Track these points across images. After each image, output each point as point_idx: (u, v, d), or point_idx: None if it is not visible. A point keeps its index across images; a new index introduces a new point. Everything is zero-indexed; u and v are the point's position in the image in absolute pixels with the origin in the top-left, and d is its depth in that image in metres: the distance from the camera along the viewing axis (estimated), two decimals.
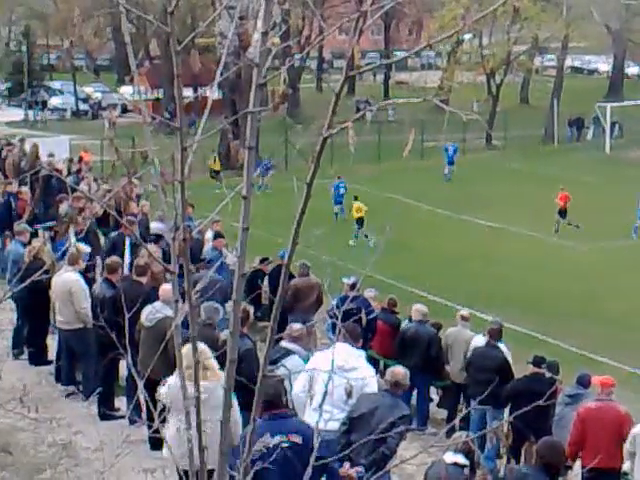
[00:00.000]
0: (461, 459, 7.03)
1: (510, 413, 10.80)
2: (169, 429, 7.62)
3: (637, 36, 53.43)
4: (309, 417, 8.42)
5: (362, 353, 9.13)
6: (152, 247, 12.63)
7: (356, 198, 28.10)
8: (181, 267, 3.32)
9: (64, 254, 11.74)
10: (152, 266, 11.22)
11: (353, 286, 13.63)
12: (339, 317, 3.83)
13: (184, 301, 3.36)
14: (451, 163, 38.39)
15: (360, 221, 27.22)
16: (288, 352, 9.08)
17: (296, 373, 8.40)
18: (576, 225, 27.99)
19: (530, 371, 11.13)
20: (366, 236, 25.92)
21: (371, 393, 8.41)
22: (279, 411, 6.99)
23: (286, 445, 6.60)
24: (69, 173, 21.88)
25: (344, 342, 8.73)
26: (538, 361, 11.18)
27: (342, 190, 30.06)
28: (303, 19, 49.43)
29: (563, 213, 28.96)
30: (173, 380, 7.81)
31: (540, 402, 4.14)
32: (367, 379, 8.47)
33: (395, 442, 7.69)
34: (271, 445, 6.16)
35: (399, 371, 8.50)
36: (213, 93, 4.52)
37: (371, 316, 13.22)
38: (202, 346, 8.32)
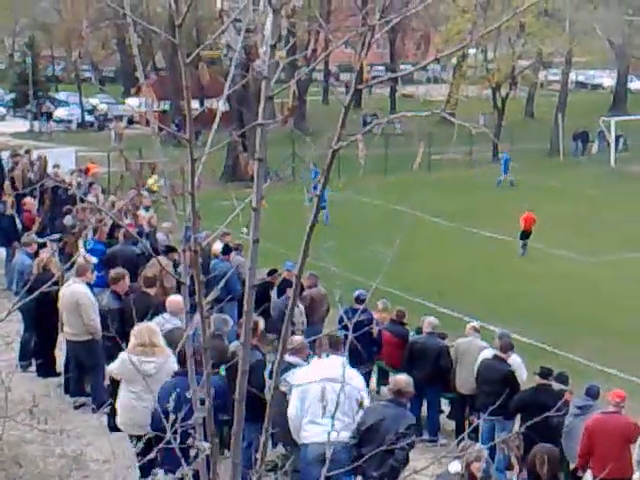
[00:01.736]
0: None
1: (520, 424, 10.78)
2: (120, 399, 9.03)
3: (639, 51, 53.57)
4: (304, 430, 8.40)
5: (344, 359, 9.00)
6: (163, 259, 12.61)
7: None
8: (192, 278, 3.34)
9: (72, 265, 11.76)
10: (163, 279, 11.24)
11: (358, 299, 13.66)
12: (349, 329, 3.85)
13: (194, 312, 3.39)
14: (505, 172, 39.38)
15: None
16: (289, 365, 8.95)
17: (299, 387, 8.37)
18: (523, 246, 27.32)
19: (537, 382, 11.11)
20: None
21: (378, 404, 8.39)
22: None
23: (200, 398, 6.99)
24: (78, 185, 21.94)
25: (327, 353, 8.73)
26: (545, 373, 11.16)
27: (325, 195, 30.44)
28: (309, 33, 49.56)
29: (526, 235, 27.44)
30: (125, 355, 8.87)
31: (548, 414, 4.15)
32: (356, 386, 8.35)
33: (403, 454, 7.67)
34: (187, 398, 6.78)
35: (401, 379, 8.47)
36: (222, 106, 4.55)
37: (377, 328, 13.22)
38: (152, 326, 8.87)
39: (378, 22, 2.83)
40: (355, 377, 8.44)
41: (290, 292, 12.17)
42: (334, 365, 8.35)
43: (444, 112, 3.27)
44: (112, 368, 9.60)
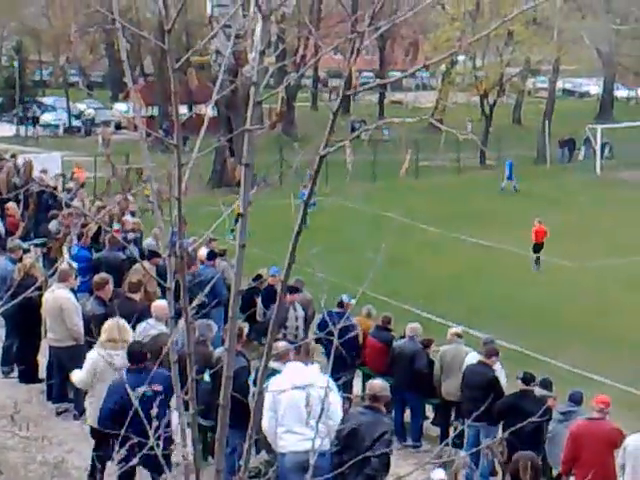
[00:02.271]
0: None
1: (503, 430, 10.78)
2: (91, 400, 9.38)
3: (626, 60, 53.88)
4: (281, 440, 8.36)
5: (315, 366, 8.99)
6: (147, 264, 12.60)
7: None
8: (177, 284, 3.33)
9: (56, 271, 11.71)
10: (147, 284, 11.22)
11: (339, 303, 13.71)
12: (332, 334, 3.84)
13: (179, 318, 3.38)
14: (510, 178, 39.38)
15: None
16: (273, 372, 8.92)
17: (281, 392, 8.33)
18: (537, 261, 26.51)
19: (519, 388, 11.15)
20: (232, 230, 27.37)
21: (354, 411, 8.37)
22: (142, 364, 8.42)
23: (149, 395, 7.36)
24: (64, 190, 21.87)
25: (297, 359, 8.71)
26: (527, 378, 11.19)
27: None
28: (299, 38, 49.59)
29: (538, 248, 26.81)
30: (94, 353, 9.41)
31: (532, 419, 4.15)
32: (327, 392, 8.32)
33: (379, 461, 7.63)
34: (137, 394, 6.97)
35: (376, 384, 8.45)
36: (210, 112, 4.53)
37: (351, 334, 13.07)
38: (122, 322, 9.14)
39: (367, 29, 2.83)
40: (328, 383, 8.42)
41: (290, 297, 12.16)
42: (306, 372, 8.33)
43: (431, 118, 3.27)
44: (80, 375, 9.73)
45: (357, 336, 13.48)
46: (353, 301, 13.70)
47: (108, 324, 9.65)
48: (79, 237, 14.86)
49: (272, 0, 2.93)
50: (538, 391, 11.25)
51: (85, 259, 14.45)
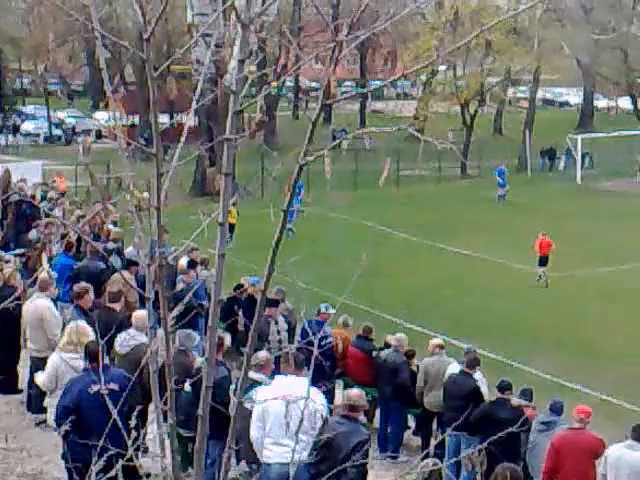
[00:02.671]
0: None
1: (480, 440, 10.79)
2: (52, 400, 9.34)
3: (606, 70, 54.28)
4: (268, 450, 8.34)
5: (306, 379, 9.00)
6: (126, 274, 12.55)
7: (234, 204, 29.15)
8: (156, 293, 3.31)
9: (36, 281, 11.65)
10: (127, 294, 11.18)
11: (318, 312, 13.73)
12: (311, 344, 3.84)
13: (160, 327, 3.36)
14: (503, 185, 39.31)
15: (231, 227, 28.75)
16: (254, 383, 8.84)
17: (263, 403, 8.31)
18: (544, 280, 25.73)
19: (495, 396, 11.18)
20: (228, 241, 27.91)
21: (332, 421, 8.35)
22: (98, 364, 8.45)
23: (105, 392, 7.51)
24: (43, 199, 21.76)
25: (288, 371, 8.69)
26: (503, 386, 11.22)
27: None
28: (280, 47, 49.67)
29: (544, 261, 26.05)
30: (55, 356, 9.55)
31: (511, 429, 4.16)
32: (315, 405, 8.32)
33: (355, 471, 7.62)
34: (92, 392, 8.09)
35: (354, 393, 8.43)
36: (190, 120, 4.53)
37: (324, 342, 13.07)
38: (81, 325, 9.22)
39: (345, 38, 2.83)
40: (317, 395, 8.41)
41: (269, 310, 12.15)
42: (295, 384, 8.31)
43: (410, 128, 3.27)
44: (42, 378, 9.87)
45: (335, 346, 13.49)
46: (332, 310, 13.70)
47: (69, 327, 9.81)
48: (67, 247, 14.80)
49: (252, 9, 2.93)
50: (517, 401, 11.27)
51: (70, 268, 14.39)
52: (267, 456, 8.38)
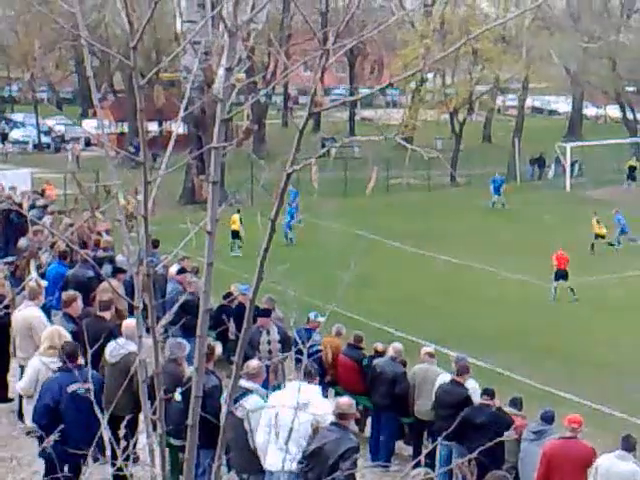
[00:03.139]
0: None
1: (467, 448, 10.76)
2: (31, 404, 9.42)
3: (594, 78, 54.53)
4: (273, 456, 8.34)
5: (318, 389, 9.05)
6: (114, 282, 12.51)
7: (238, 211, 29.24)
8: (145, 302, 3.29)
9: (23, 288, 11.61)
10: (117, 302, 11.13)
11: (308, 320, 13.74)
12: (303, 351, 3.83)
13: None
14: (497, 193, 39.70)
15: (235, 234, 29.23)
16: (246, 391, 8.84)
17: (255, 412, 8.31)
18: (571, 297, 25.24)
19: (479, 402, 11.20)
20: (239, 247, 28.62)
21: (321, 429, 8.35)
22: (75, 364, 8.65)
23: (82, 392, 7.97)
24: (33, 207, 21.67)
25: (300, 380, 8.70)
26: (485, 392, 11.24)
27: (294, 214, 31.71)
28: (269, 55, 49.71)
29: (562, 276, 25.65)
30: (36, 361, 9.64)
31: (501, 437, 4.14)
32: (324, 415, 8.39)
33: (343, 479, 7.62)
34: (70, 391, 8.41)
35: (344, 402, 8.45)
36: (178, 128, 4.51)
37: (312, 350, 13.04)
38: (61, 329, 10.04)
39: (332, 47, 2.82)
40: (324, 404, 8.49)
41: (262, 320, 12.10)
42: (305, 391, 8.36)
43: (399, 137, 3.27)
44: (22, 383, 9.93)
45: (325, 354, 13.47)
46: (321, 318, 13.70)
47: (48, 331, 9.86)
48: (60, 255, 14.75)
49: (239, 16, 2.92)
50: (509, 410, 11.26)
51: (62, 276, 14.37)
52: (270, 464, 8.43)
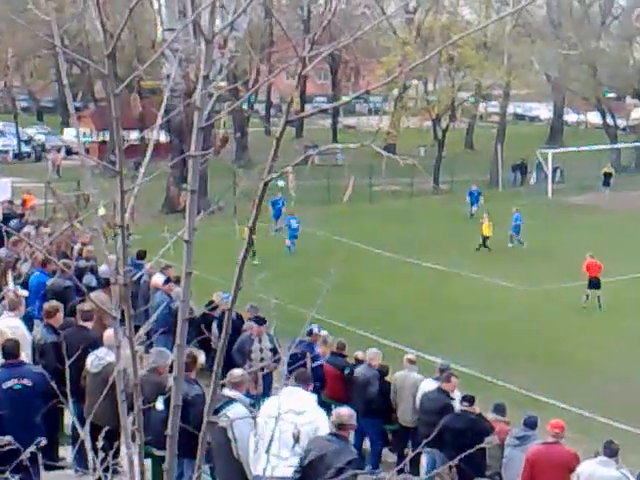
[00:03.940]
0: None
1: (448, 454, 10.76)
2: None
3: (575, 85, 54.85)
4: (255, 463, 8.29)
5: (313, 396, 9.00)
6: (102, 293, 12.46)
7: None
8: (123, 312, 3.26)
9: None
10: (102, 314, 11.06)
11: (310, 333, 13.75)
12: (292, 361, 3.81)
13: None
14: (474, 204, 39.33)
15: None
16: (230, 400, 8.73)
17: (238, 421, 8.24)
18: (599, 302, 24.90)
19: (459, 409, 11.22)
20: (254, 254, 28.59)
21: (320, 438, 8.28)
22: (14, 360, 8.89)
23: (18, 387, 8.30)
24: (13, 216, 21.53)
25: (295, 386, 8.64)
26: (464, 399, 11.26)
27: (295, 225, 31.35)
28: (250, 63, 49.72)
29: (595, 284, 25.13)
30: None
31: (483, 443, 4.14)
32: (318, 422, 8.33)
33: None
34: (5, 387, 8.67)
35: (344, 412, 8.36)
36: (157, 136, 4.50)
37: (316, 363, 13.08)
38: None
39: (308, 54, 2.81)
40: (319, 412, 8.45)
41: (256, 328, 12.01)
42: (301, 399, 8.32)
43: (373, 143, 3.26)
44: None
45: (320, 365, 13.48)
46: (325, 332, 13.77)
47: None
48: (43, 263, 14.66)
49: (215, 24, 2.90)
50: (492, 416, 11.28)
51: (44, 285, 14.30)
52: (260, 470, 8.35)
